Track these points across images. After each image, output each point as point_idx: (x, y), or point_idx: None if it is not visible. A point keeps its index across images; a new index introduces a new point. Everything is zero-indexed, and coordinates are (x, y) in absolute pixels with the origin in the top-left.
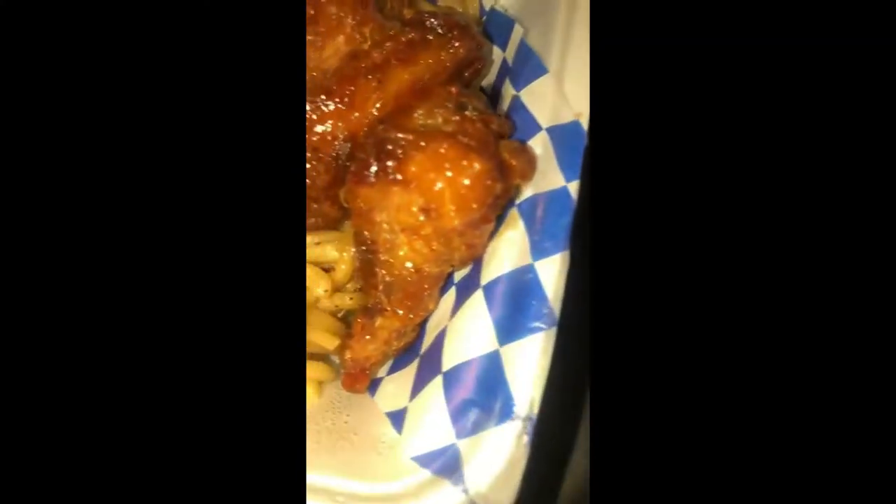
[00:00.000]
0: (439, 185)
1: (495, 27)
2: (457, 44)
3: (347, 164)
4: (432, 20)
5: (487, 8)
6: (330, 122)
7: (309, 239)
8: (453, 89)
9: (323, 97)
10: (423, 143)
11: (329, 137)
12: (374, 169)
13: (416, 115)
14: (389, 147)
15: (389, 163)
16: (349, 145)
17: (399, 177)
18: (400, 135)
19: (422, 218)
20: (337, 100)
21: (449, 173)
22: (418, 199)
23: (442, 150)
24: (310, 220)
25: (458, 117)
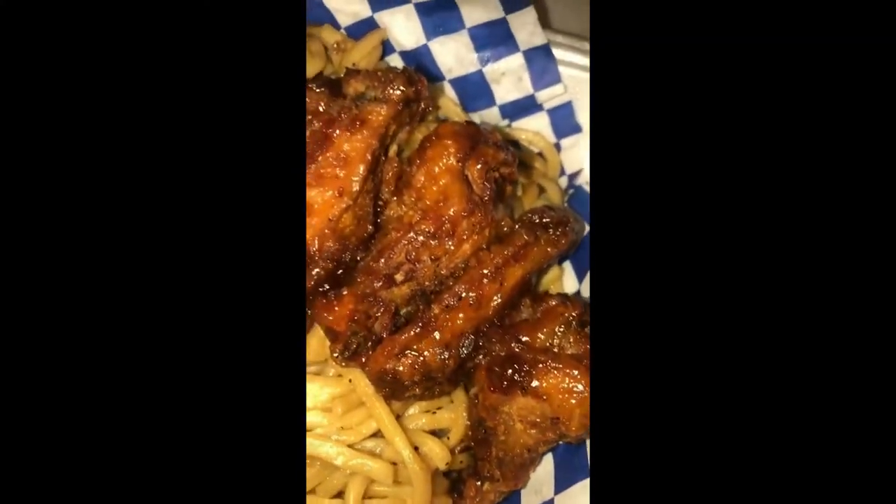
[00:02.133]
0: (572, 401)
1: (580, 204)
2: (562, 239)
3: (472, 353)
4: (543, 219)
5: (575, 183)
6: (460, 320)
7: (427, 405)
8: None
9: (452, 301)
10: (556, 365)
11: (458, 333)
12: (506, 383)
13: (540, 335)
14: (526, 366)
15: (522, 377)
16: (473, 338)
17: (531, 387)
18: (534, 356)
19: (548, 423)
20: (468, 302)
21: (580, 394)
22: (547, 409)
23: (575, 373)
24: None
25: (580, 337)
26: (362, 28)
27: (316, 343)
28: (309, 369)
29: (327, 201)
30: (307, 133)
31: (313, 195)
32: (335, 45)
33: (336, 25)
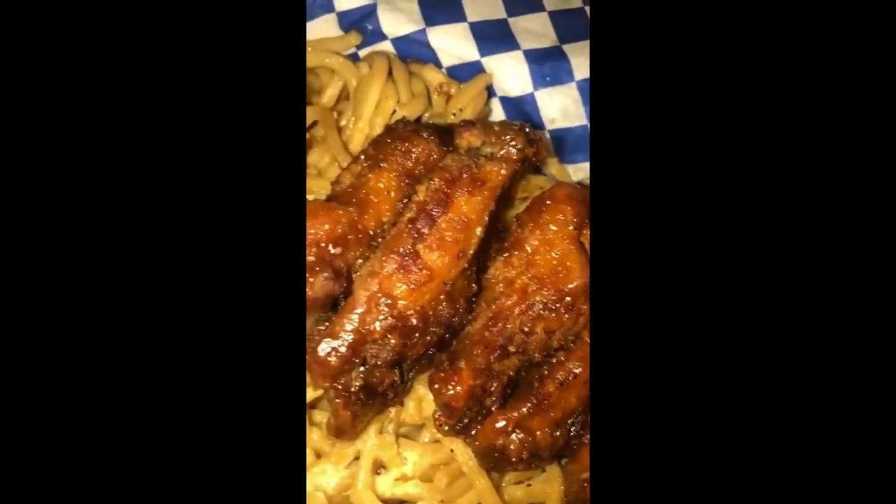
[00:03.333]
0: None
1: None
2: None
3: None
4: None
5: None
6: (574, 398)
7: (519, 475)
8: None
9: (566, 378)
10: None
11: (570, 412)
12: None
13: None
14: None
15: None
16: (582, 416)
17: None
18: None
19: None
20: (582, 379)
21: None
22: None
23: None
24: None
25: None
26: (466, 70)
27: (413, 406)
28: (401, 430)
29: (447, 265)
30: (429, 190)
31: (434, 259)
32: (438, 87)
33: (438, 65)
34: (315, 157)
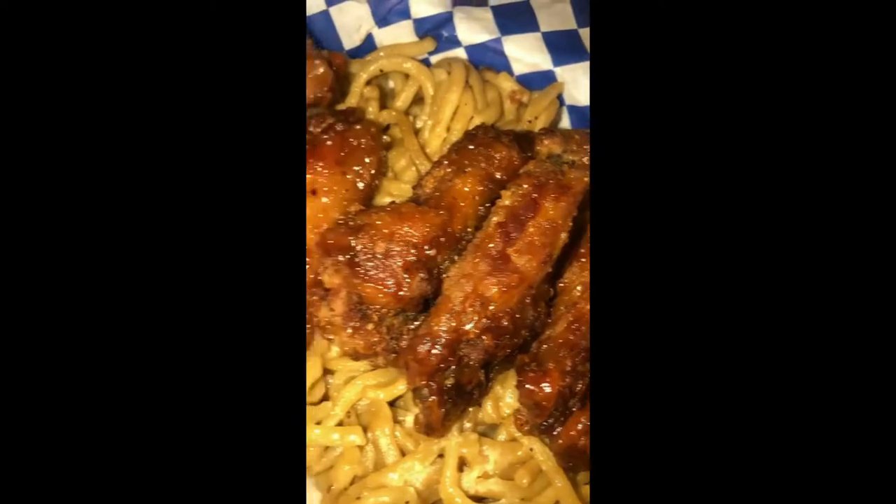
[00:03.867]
0: None
1: None
2: None
3: None
4: None
5: None
6: None
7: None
8: None
9: None
10: None
11: None
12: None
13: None
14: None
15: None
16: None
17: None
18: None
19: None
20: None
21: None
22: None
23: None
24: None
25: None
26: (538, 79)
27: (490, 405)
28: (478, 429)
29: (535, 269)
30: (516, 196)
31: (524, 263)
32: (511, 95)
33: (510, 73)
34: (392, 160)
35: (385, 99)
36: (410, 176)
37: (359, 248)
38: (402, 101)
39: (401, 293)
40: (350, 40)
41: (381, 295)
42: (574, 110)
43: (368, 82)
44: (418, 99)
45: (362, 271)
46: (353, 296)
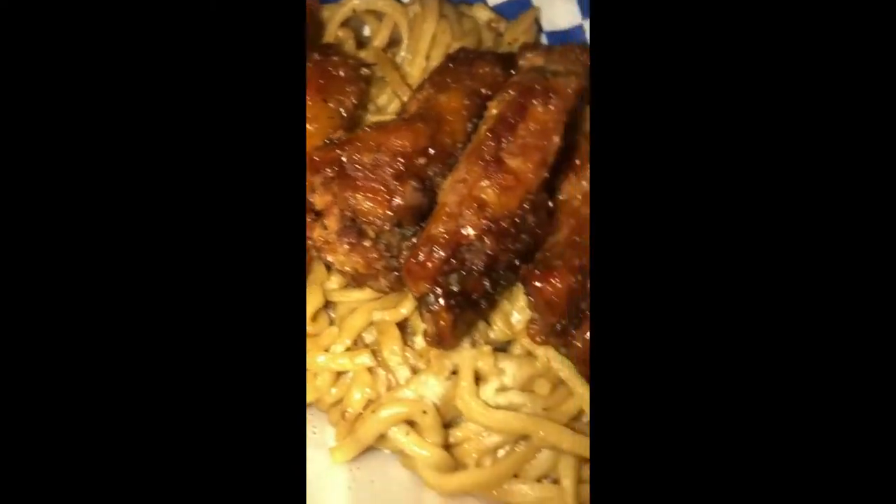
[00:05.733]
0: None
1: None
2: None
3: None
4: None
5: None
6: None
7: None
8: None
9: None
10: None
11: None
12: None
13: None
14: None
15: None
16: None
17: None
18: None
19: None
20: None
21: None
22: None
23: None
24: None
25: None
26: (514, 7)
27: (500, 321)
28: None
29: (530, 171)
30: (503, 103)
31: (518, 164)
32: (488, 24)
33: (485, 3)
34: (374, 95)
35: (362, 45)
36: (394, 108)
37: (345, 160)
38: (378, 40)
39: (394, 202)
40: None
41: (373, 205)
42: (553, 36)
43: (343, 25)
44: (395, 42)
45: (352, 183)
46: (346, 212)
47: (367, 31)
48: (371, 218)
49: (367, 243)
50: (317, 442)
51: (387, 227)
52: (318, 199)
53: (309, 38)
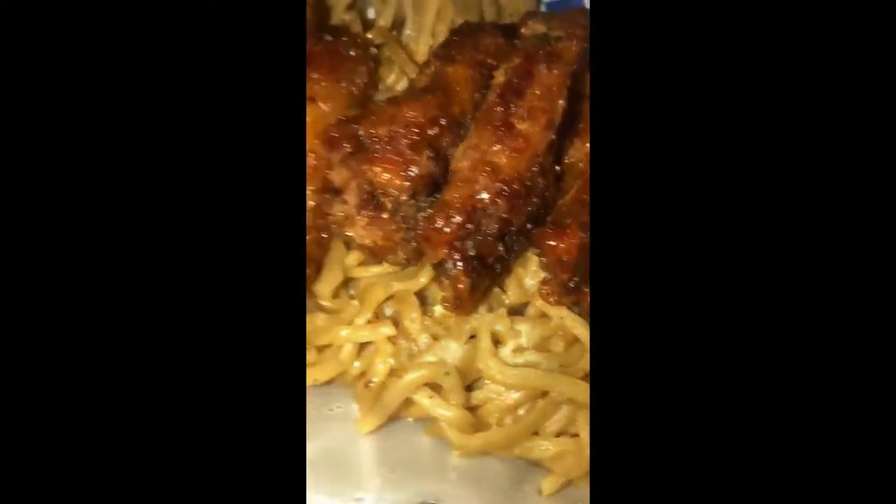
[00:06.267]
0: None
1: None
2: None
3: None
4: None
5: None
6: None
7: None
8: None
9: None
10: None
11: None
12: None
13: None
14: None
15: None
16: None
17: None
18: None
19: None
20: None
21: None
22: None
23: None
24: None
25: None
26: None
27: (514, 286)
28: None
29: (538, 133)
30: (509, 70)
31: (526, 127)
32: None
33: None
34: (383, 75)
35: (368, 27)
36: (402, 86)
37: (362, 133)
38: (383, 20)
39: (410, 172)
40: None
41: (391, 176)
42: (552, 5)
43: (349, 8)
44: (399, 23)
45: (370, 157)
46: (364, 185)
47: (371, 14)
48: (389, 189)
49: (385, 216)
50: (342, 416)
51: (404, 198)
52: (336, 175)
53: (317, 21)
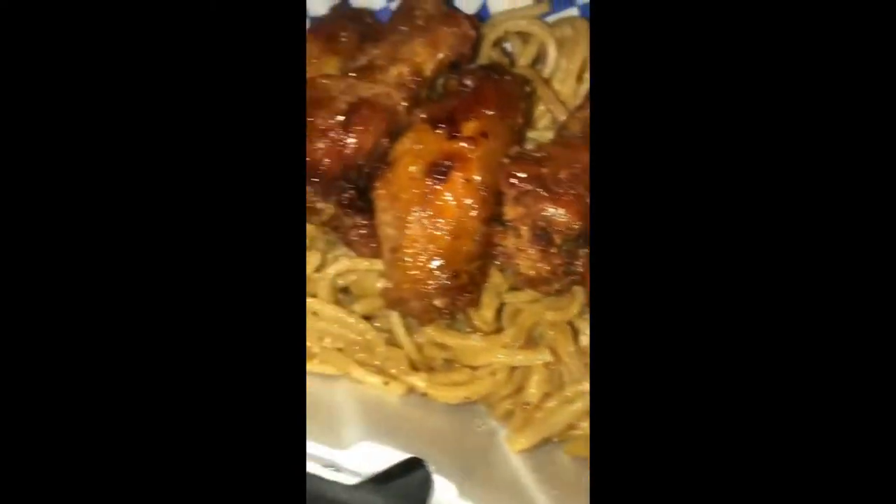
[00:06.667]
0: None
1: None
2: None
3: None
4: None
5: None
6: None
7: None
8: None
9: None
10: None
11: None
12: None
13: None
14: None
15: None
16: None
17: None
18: None
19: None
20: None
21: None
22: None
23: None
24: None
25: None
26: None
27: None
28: None
29: None
30: None
31: None
32: None
33: None
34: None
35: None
36: (545, 122)
37: (546, 172)
38: (524, 59)
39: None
40: (466, 5)
41: (570, 217)
42: None
43: (495, 45)
44: (537, 60)
45: (550, 195)
46: (540, 222)
47: (509, 47)
48: (562, 228)
49: (553, 249)
50: (487, 433)
51: (572, 237)
52: (511, 211)
53: (473, 54)
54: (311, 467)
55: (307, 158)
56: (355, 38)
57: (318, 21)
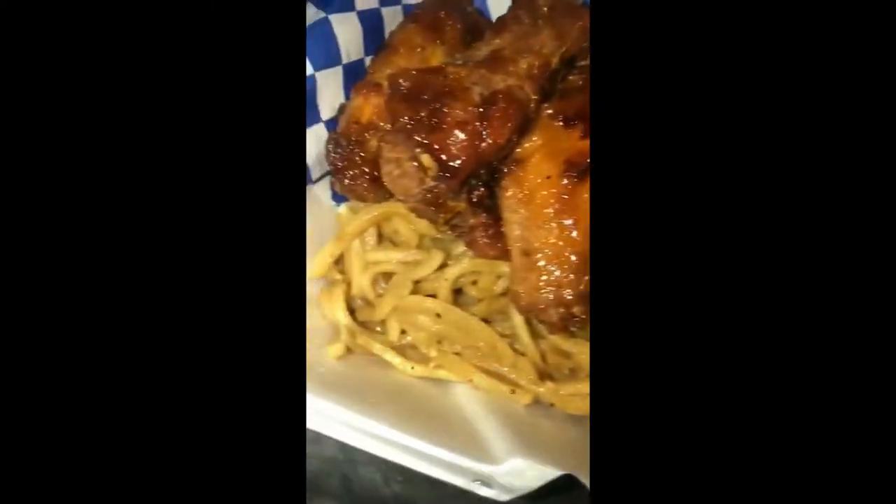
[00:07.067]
0: None
1: None
2: None
3: None
4: None
5: None
6: None
7: None
8: None
9: None
10: None
11: None
12: None
13: None
14: None
15: None
16: None
17: None
18: None
19: None
20: None
21: None
22: None
23: None
24: None
25: None
26: None
27: None
28: None
29: None
30: None
31: None
32: None
33: None
34: None
35: None
36: None
37: None
38: None
39: None
40: None
41: None
42: None
43: None
44: None
45: None
46: None
47: None
48: None
49: None
50: None
51: None
52: None
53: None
54: (458, 481)
55: (440, 155)
56: (461, 27)
57: (416, 8)
